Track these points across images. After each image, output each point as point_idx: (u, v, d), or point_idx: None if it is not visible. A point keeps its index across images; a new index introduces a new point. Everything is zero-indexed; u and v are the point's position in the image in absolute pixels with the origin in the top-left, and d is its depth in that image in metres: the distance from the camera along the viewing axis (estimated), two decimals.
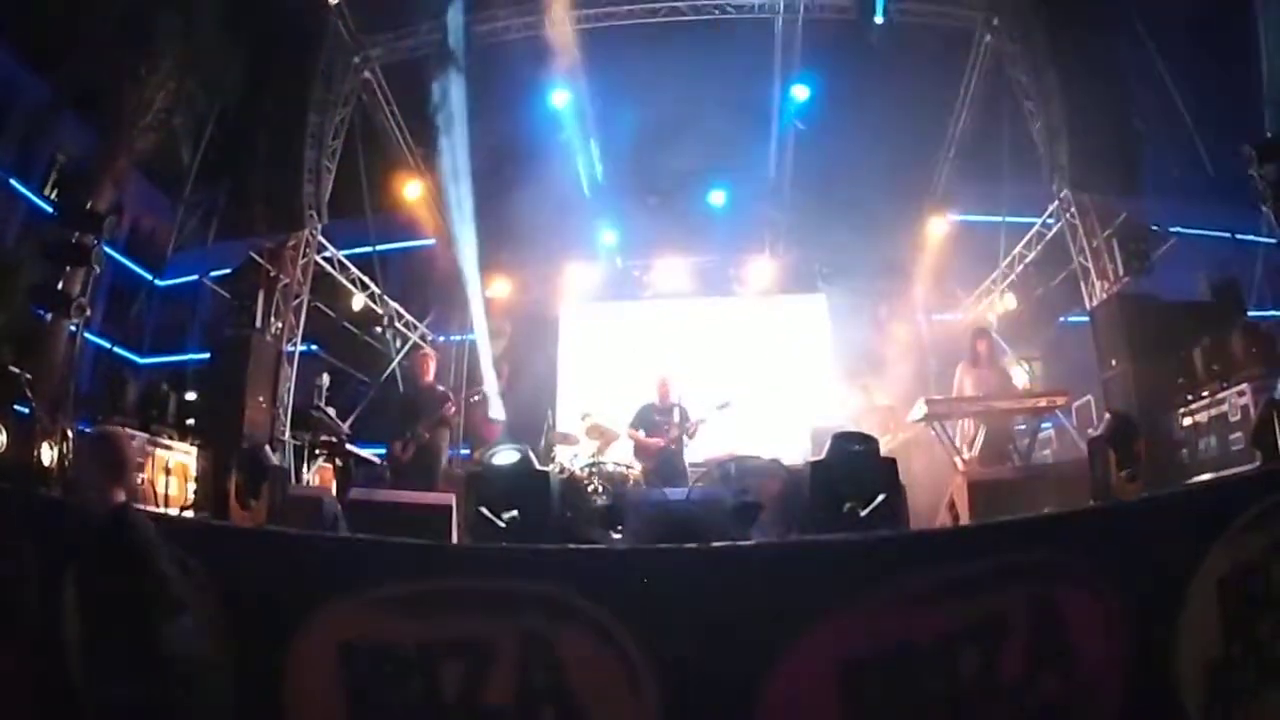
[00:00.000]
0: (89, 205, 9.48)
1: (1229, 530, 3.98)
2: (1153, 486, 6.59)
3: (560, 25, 11.75)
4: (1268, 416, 6.30)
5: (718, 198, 14.33)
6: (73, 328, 9.28)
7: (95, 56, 12.67)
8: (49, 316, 9.22)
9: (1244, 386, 7.36)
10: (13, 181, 17.62)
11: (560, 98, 12.53)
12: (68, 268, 9.04)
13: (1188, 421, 8.19)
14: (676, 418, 9.41)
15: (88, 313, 9.28)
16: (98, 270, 9.19)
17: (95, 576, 3.43)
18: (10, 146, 18.00)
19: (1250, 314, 9.15)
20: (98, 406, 9.43)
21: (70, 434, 8.06)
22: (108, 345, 16.03)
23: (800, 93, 12.49)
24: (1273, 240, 7.74)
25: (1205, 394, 7.97)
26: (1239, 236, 10.43)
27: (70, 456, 7.79)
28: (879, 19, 11.05)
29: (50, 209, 15.89)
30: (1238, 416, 7.38)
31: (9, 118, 17.57)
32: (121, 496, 3.60)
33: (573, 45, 11.97)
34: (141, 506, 4.97)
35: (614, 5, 11.87)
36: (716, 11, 11.83)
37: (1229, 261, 9.53)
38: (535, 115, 12.81)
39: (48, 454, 7.83)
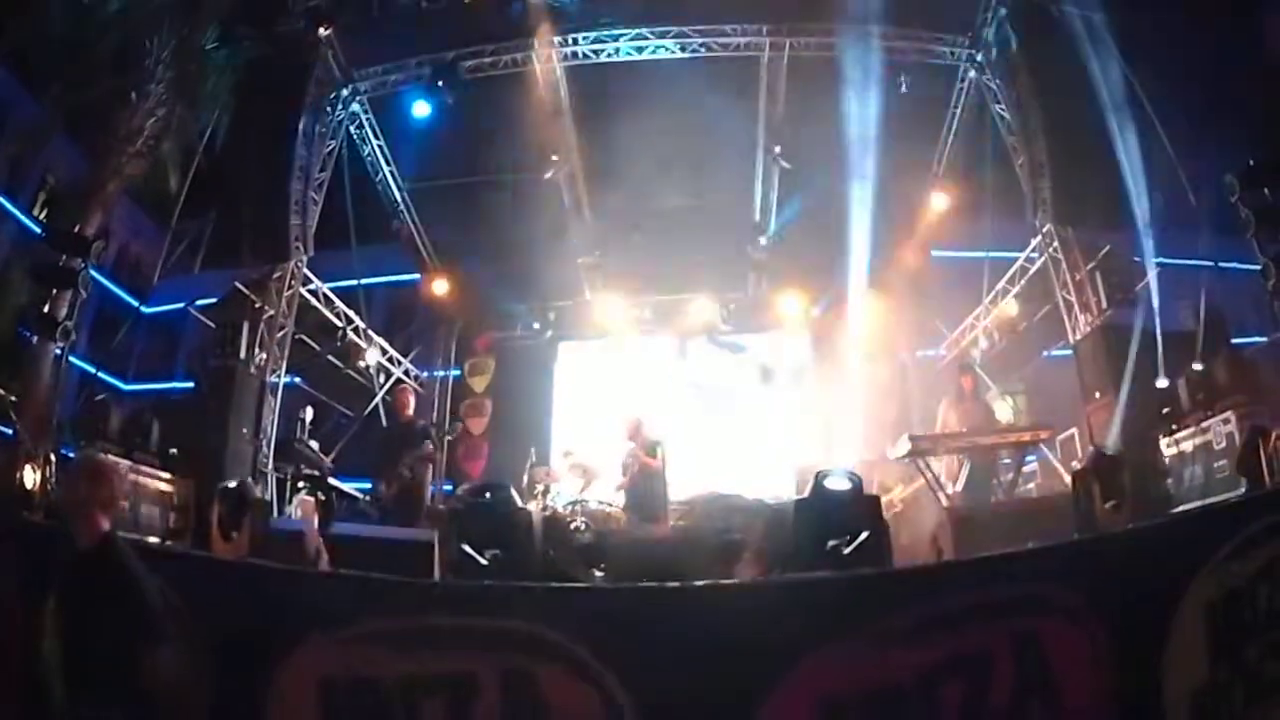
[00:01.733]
0: (77, 229, 9.45)
1: (1215, 557, 3.96)
2: (1138, 517, 6.59)
3: (547, 62, 11.83)
4: (1253, 442, 6.34)
5: (701, 235, 14.24)
6: (58, 351, 9.24)
7: (88, 80, 12.71)
8: (34, 339, 9.15)
9: (1229, 414, 7.35)
10: (2, 200, 17.61)
11: (546, 134, 12.53)
12: (54, 291, 9.02)
13: (1173, 451, 8.16)
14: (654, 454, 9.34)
15: (73, 337, 9.24)
16: (84, 295, 9.17)
17: (77, 604, 3.38)
18: (1, 164, 18.01)
19: (1234, 341, 9.21)
20: (80, 432, 9.34)
21: (53, 458, 7.99)
22: (92, 370, 15.94)
23: (781, 130, 12.55)
24: (1257, 268, 7.78)
25: (1190, 423, 7.95)
26: (1222, 265, 10.53)
27: (53, 480, 7.71)
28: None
29: (38, 230, 15.87)
30: (1223, 444, 7.35)
31: (0, 134, 17.59)
32: (107, 525, 3.56)
33: (560, 81, 12.04)
34: (125, 535, 4.91)
35: (600, 43, 11.94)
36: (703, 49, 11.89)
37: (1212, 290, 9.63)
38: (522, 151, 12.84)
39: (30, 477, 7.72)
